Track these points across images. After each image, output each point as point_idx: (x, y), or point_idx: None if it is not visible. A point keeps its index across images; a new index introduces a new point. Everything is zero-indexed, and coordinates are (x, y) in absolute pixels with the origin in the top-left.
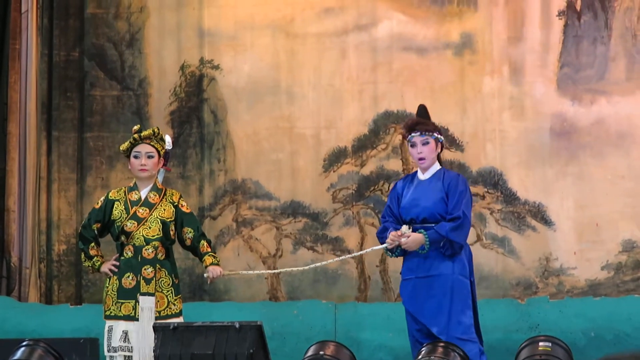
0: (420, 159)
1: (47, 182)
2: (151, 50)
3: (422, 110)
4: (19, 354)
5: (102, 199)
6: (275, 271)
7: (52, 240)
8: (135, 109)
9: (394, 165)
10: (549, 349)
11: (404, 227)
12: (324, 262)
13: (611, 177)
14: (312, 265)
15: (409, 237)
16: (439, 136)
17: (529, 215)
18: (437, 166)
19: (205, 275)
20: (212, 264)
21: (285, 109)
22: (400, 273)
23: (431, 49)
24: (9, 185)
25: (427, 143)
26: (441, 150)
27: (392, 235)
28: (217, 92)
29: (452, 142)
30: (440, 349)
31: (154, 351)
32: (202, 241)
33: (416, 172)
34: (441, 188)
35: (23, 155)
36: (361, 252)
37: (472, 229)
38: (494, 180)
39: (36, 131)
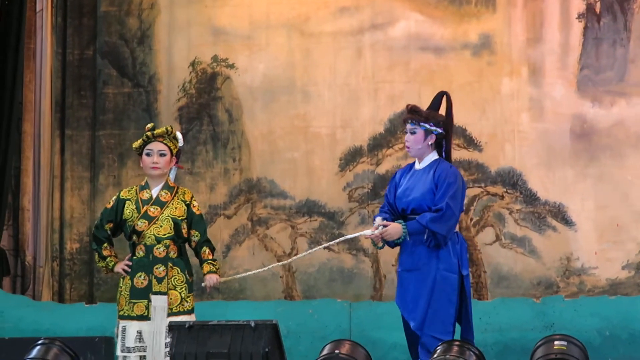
0: (406, 147)
1: (61, 181)
2: (161, 47)
3: (436, 98)
4: (34, 352)
5: (113, 198)
6: (269, 267)
7: (64, 239)
8: (146, 106)
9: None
10: (565, 348)
11: (378, 219)
12: (302, 254)
13: (631, 177)
14: (297, 256)
15: (387, 226)
16: (432, 127)
17: (549, 215)
18: (432, 156)
19: (202, 284)
20: (209, 272)
21: (300, 108)
22: None
23: (449, 49)
24: (24, 184)
25: (414, 133)
26: (435, 140)
27: (368, 232)
28: (232, 91)
29: (470, 142)
30: (455, 348)
31: (169, 350)
32: (205, 247)
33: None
34: (431, 179)
35: (37, 154)
36: (339, 240)
37: (490, 228)
38: (512, 181)
39: (50, 130)
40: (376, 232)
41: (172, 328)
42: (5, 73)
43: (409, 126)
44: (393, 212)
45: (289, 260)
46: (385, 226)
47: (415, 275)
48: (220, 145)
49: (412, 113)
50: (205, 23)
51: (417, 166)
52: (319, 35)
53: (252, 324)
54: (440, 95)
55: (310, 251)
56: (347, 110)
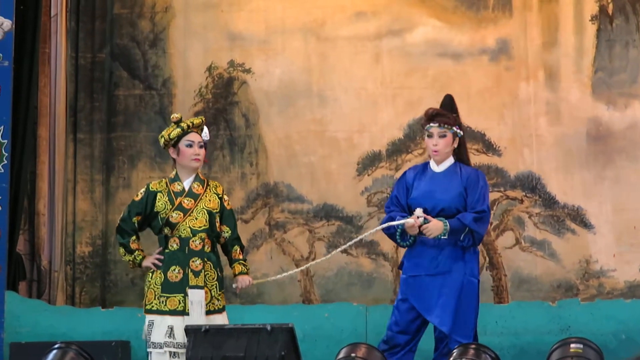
0: (435, 151)
1: (74, 185)
2: (176, 51)
3: (448, 100)
4: (50, 357)
5: (142, 190)
6: (301, 268)
7: (81, 243)
8: (159, 109)
9: None
10: (581, 351)
11: (419, 210)
12: (339, 249)
13: None
14: (334, 251)
15: (429, 220)
16: (458, 130)
17: (568, 218)
18: (452, 159)
19: (233, 285)
20: (240, 272)
21: (317, 112)
22: (400, 268)
23: (467, 54)
24: (39, 188)
25: (444, 136)
26: (458, 144)
27: (412, 221)
28: (249, 96)
29: (490, 147)
30: (471, 351)
31: (185, 353)
32: (236, 246)
33: (427, 163)
34: (459, 183)
35: (53, 158)
36: (366, 233)
37: (510, 232)
38: (532, 185)
39: (65, 134)
40: (418, 220)
41: (188, 332)
42: (21, 78)
43: (438, 130)
44: (405, 213)
45: (324, 257)
46: (426, 219)
47: (441, 279)
48: (237, 150)
49: (442, 116)
50: (221, 28)
51: (436, 168)
52: (335, 39)
53: (268, 328)
54: (449, 98)
55: (348, 244)
56: (364, 115)
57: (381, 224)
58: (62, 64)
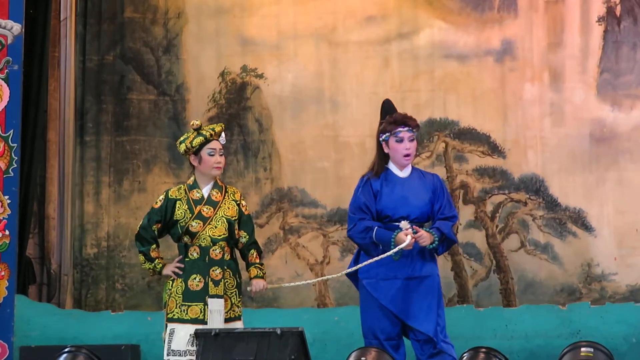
0: (407, 155)
1: (81, 187)
2: (189, 56)
3: (390, 104)
4: None
5: (161, 197)
6: (317, 279)
7: (85, 245)
8: (172, 114)
9: (438, 172)
10: (591, 355)
11: (404, 223)
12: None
13: None
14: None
15: (421, 233)
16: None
17: (569, 221)
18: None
19: (248, 288)
20: (256, 276)
21: (329, 117)
22: (356, 273)
23: (472, 56)
24: (49, 192)
25: (413, 140)
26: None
27: (405, 236)
28: (262, 101)
29: (494, 149)
30: (482, 355)
31: (195, 357)
32: (253, 250)
33: (386, 168)
34: (427, 188)
35: (62, 162)
36: (383, 256)
37: (515, 235)
38: (535, 187)
39: (74, 138)
40: (410, 232)
41: (199, 336)
42: (31, 82)
43: (408, 134)
44: (374, 219)
45: (337, 274)
46: (414, 229)
47: (419, 282)
48: (251, 155)
49: (412, 120)
50: (233, 33)
51: (400, 174)
52: (346, 44)
53: (278, 332)
54: (390, 102)
55: (354, 268)
56: (376, 119)
57: (355, 232)
58: (71, 68)
